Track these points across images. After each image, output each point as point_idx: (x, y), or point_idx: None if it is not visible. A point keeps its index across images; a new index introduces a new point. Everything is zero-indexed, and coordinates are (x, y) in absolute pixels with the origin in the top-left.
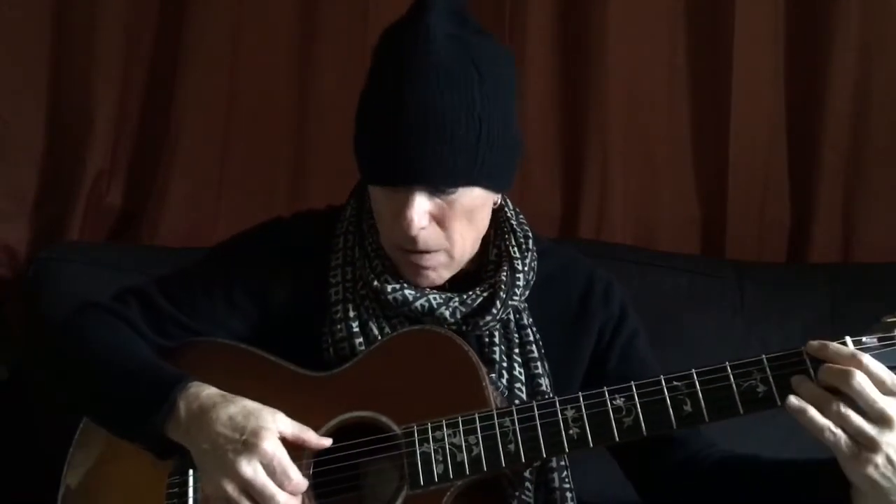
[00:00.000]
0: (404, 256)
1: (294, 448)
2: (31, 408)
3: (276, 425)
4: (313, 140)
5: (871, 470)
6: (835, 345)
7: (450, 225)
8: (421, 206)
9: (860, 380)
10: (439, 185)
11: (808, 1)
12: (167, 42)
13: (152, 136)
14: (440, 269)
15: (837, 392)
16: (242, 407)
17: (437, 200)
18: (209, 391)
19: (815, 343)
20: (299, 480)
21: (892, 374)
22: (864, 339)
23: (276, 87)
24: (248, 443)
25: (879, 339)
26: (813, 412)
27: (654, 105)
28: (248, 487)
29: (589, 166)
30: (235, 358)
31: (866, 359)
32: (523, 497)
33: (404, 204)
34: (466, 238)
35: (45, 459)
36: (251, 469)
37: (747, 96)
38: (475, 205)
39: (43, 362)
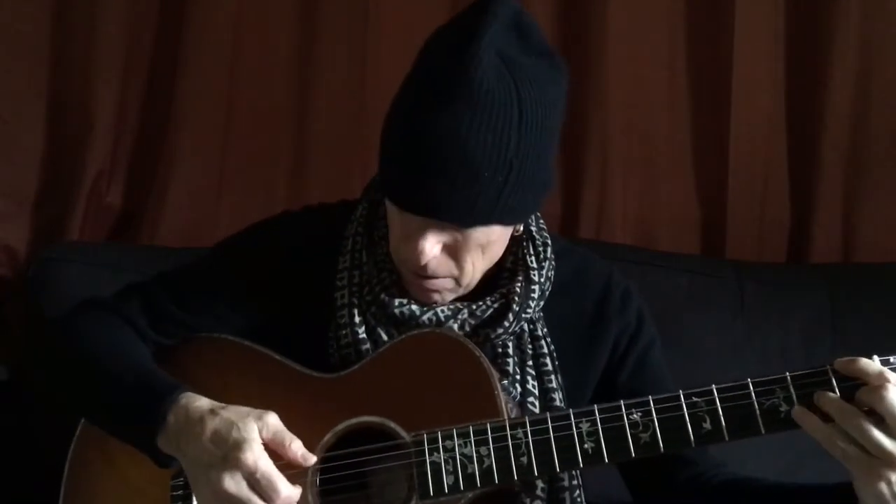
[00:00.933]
0: (410, 275)
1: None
2: (31, 408)
3: (257, 434)
4: (313, 140)
5: (883, 486)
6: (863, 360)
7: (461, 256)
8: (434, 238)
9: (892, 396)
10: (456, 223)
11: (808, 1)
12: (167, 42)
13: (152, 136)
14: (445, 293)
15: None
16: (226, 419)
17: (452, 233)
18: (198, 403)
19: (842, 359)
20: (288, 491)
21: None
22: (891, 358)
23: (276, 87)
24: (228, 457)
25: None
26: (818, 420)
27: (654, 105)
28: (235, 503)
29: (589, 166)
30: (240, 355)
31: (893, 377)
32: None
33: (417, 232)
34: (477, 267)
35: (45, 459)
36: (234, 484)
37: (747, 96)
38: (491, 239)
39: (41, 361)
